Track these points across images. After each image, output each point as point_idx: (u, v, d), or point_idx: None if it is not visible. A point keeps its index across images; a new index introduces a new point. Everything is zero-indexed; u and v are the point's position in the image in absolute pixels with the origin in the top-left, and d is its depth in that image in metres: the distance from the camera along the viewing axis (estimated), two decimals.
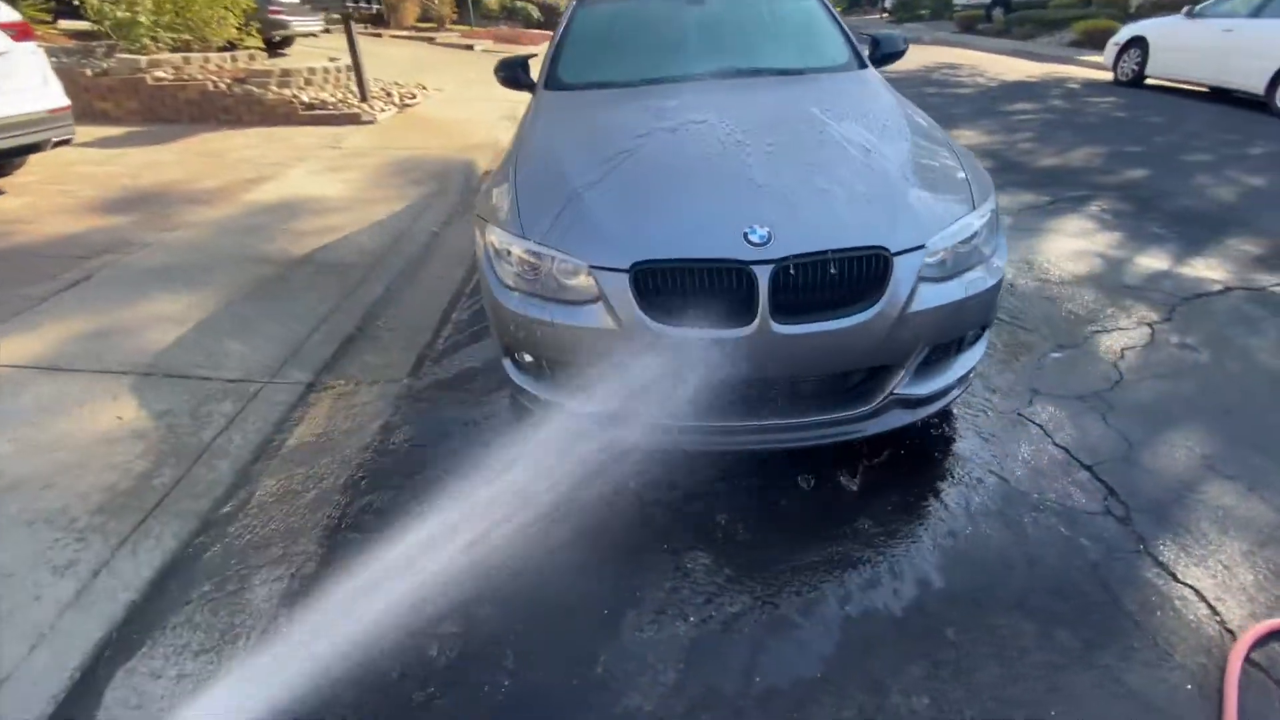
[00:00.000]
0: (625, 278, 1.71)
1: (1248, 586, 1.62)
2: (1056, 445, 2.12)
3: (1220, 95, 7.91)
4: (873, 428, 1.90)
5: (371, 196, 4.64)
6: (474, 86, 9.36)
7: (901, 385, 1.86)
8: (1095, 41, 13.01)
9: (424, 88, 8.40)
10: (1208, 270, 3.38)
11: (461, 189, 4.91)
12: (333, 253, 3.68)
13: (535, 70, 3.06)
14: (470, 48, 13.66)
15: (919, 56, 12.36)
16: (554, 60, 2.92)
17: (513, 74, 3.00)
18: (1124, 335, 2.76)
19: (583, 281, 1.78)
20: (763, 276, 1.67)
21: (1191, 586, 1.62)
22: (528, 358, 2.03)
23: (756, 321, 1.68)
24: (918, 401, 1.92)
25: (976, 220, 1.88)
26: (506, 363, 2.07)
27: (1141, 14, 13.05)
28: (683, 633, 1.54)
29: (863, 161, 2.00)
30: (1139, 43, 8.68)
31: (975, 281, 1.85)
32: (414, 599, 1.60)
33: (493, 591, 1.65)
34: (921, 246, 1.75)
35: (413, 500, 1.97)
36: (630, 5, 3.18)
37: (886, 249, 1.72)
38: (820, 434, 1.87)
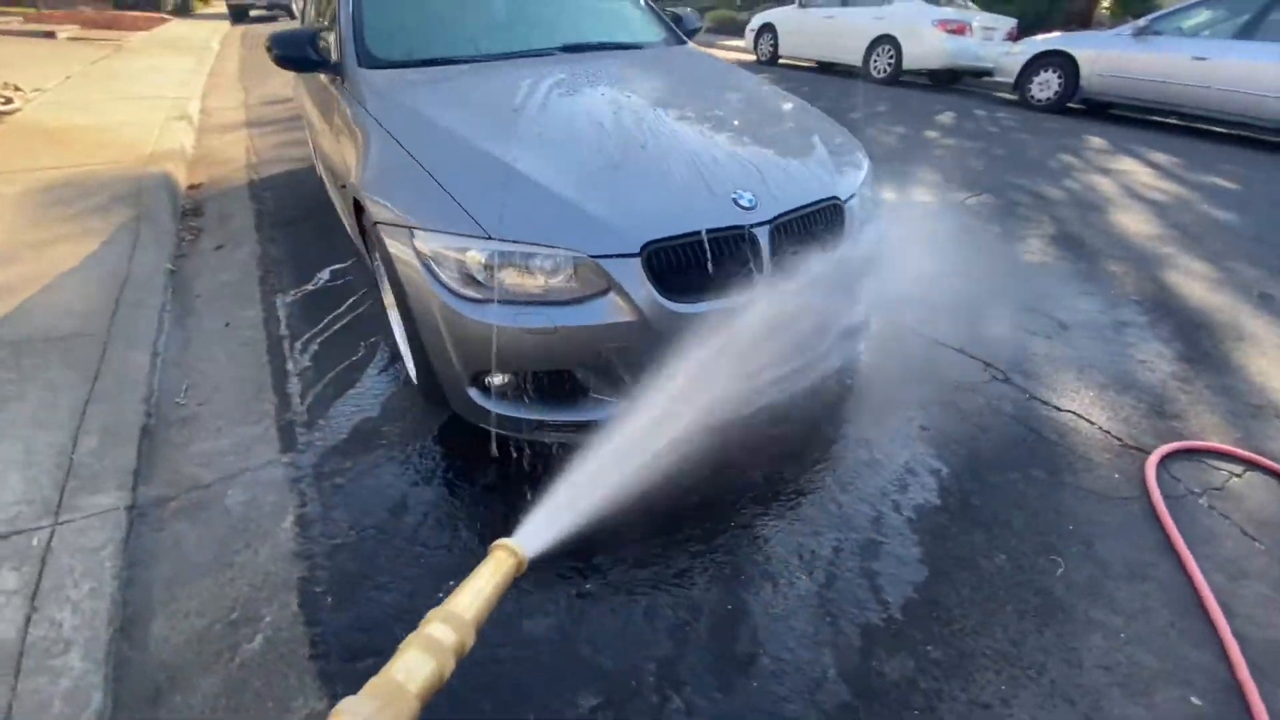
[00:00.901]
0: (636, 262, 1.57)
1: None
2: None
3: (826, 68, 10.29)
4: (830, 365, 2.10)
5: (34, 238, 3.25)
6: (90, 83, 7.09)
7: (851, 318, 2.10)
8: (727, 29, 15.52)
9: (17, 88, 6.02)
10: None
11: (171, 211, 3.74)
12: (20, 325, 2.51)
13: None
14: (51, 35, 10.15)
15: None
16: (355, 36, 2.39)
17: (298, 51, 2.35)
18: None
19: (580, 274, 1.58)
20: (763, 239, 1.70)
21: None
22: (500, 379, 1.72)
23: (752, 281, 1.71)
24: (850, 332, 2.18)
25: (867, 167, 2.18)
26: (473, 392, 1.73)
27: (751, 3, 15.91)
28: None
29: (776, 125, 2.14)
30: (769, 29, 10.70)
31: (876, 223, 2.16)
32: None
33: None
34: (853, 195, 1.98)
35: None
36: None
37: (839, 198, 1.90)
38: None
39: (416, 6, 2.60)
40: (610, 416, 1.71)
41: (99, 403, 2.14)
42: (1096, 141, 6.14)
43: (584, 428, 1.73)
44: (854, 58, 9.31)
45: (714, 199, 1.70)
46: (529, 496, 1.82)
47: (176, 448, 2.01)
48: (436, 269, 1.62)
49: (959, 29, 8.30)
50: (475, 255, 1.59)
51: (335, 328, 2.66)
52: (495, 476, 1.90)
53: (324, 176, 3.28)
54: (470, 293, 1.60)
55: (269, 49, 2.41)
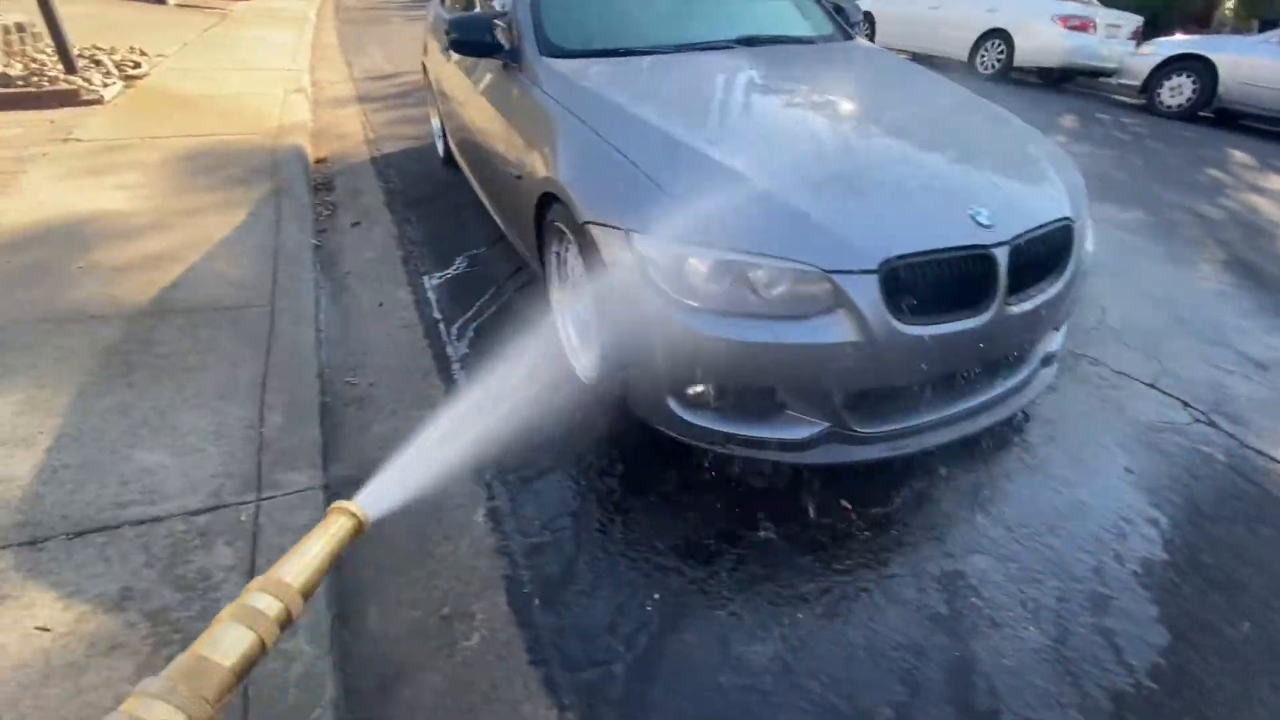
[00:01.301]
0: (873, 280, 1.48)
1: None
2: None
3: (925, 59, 9.84)
4: (1028, 393, 1.97)
5: (184, 206, 3.36)
6: (205, 50, 7.33)
7: (1050, 344, 1.97)
8: None
9: (142, 52, 6.28)
10: None
11: (306, 185, 3.81)
12: (191, 291, 2.59)
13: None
14: (161, 0, 10.58)
15: None
16: (535, 23, 2.35)
17: (477, 36, 2.33)
18: None
19: (809, 289, 1.50)
20: (1002, 259, 1.58)
21: None
22: (700, 389, 1.66)
23: (995, 305, 1.60)
24: (1050, 359, 2.04)
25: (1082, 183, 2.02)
26: (672, 403, 1.67)
27: None
28: None
29: (993, 136, 2.00)
30: (868, 17, 10.29)
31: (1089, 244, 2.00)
32: None
33: None
34: (1081, 216, 1.83)
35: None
36: None
37: (1071, 220, 1.76)
38: (999, 409, 1.88)
39: None
40: (808, 436, 1.64)
41: (277, 377, 2.18)
42: (1240, 156, 5.67)
43: (788, 447, 1.67)
44: (959, 51, 8.86)
45: (951, 215, 1.59)
46: (716, 504, 1.78)
47: (357, 429, 2.03)
48: (656, 275, 1.57)
49: (1082, 25, 7.79)
50: (700, 263, 1.53)
51: (486, 315, 2.66)
52: (676, 483, 1.85)
53: (466, 161, 3.28)
54: (690, 301, 1.55)
55: (448, 32, 2.40)
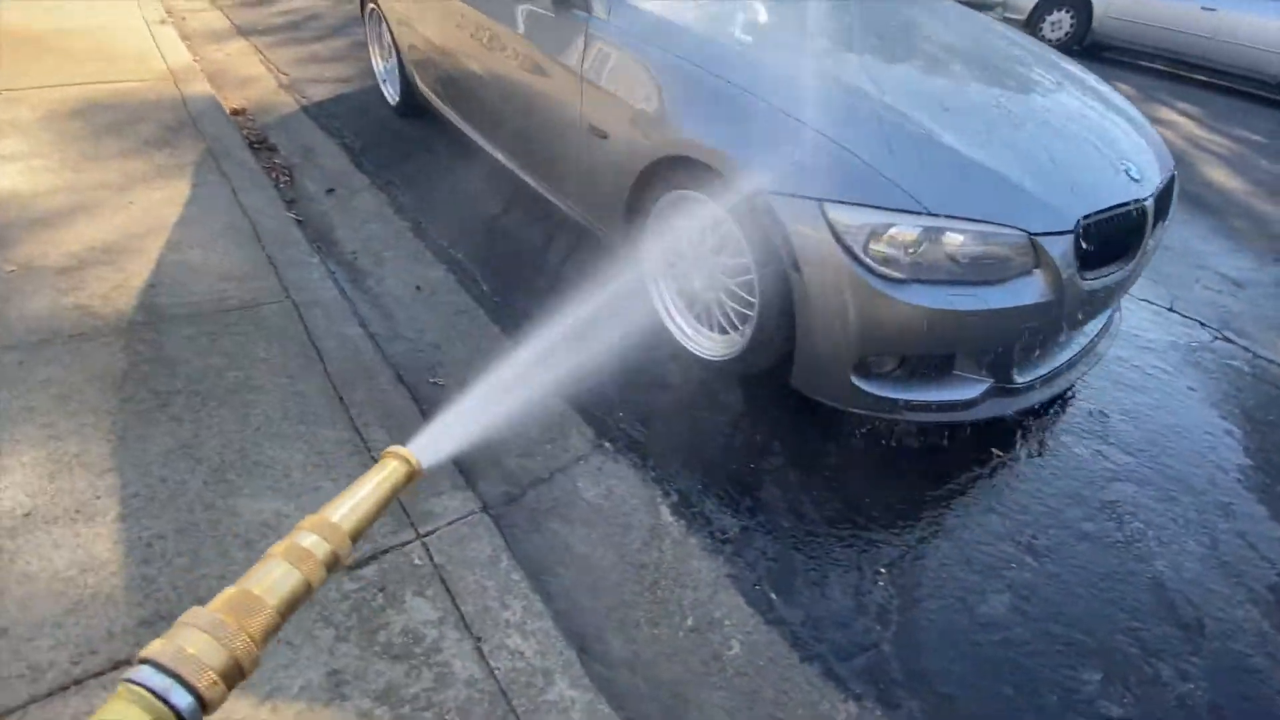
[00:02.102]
0: (1069, 240, 1.51)
1: None
2: None
3: None
4: (1117, 327, 2.14)
5: (104, 179, 2.68)
6: None
7: None
8: None
9: None
10: None
11: (241, 143, 3.17)
12: (178, 292, 2.11)
13: None
14: None
15: None
16: None
17: None
18: None
19: (1010, 253, 1.50)
20: (1151, 209, 1.67)
21: None
22: (890, 363, 1.65)
23: (1141, 251, 1.70)
24: None
25: None
26: (854, 375, 1.64)
27: None
28: None
29: (1100, 97, 2.04)
30: None
31: None
32: None
33: None
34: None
35: None
36: None
37: (1174, 172, 1.88)
38: (1105, 344, 2.03)
39: None
40: (976, 394, 1.69)
41: (351, 387, 1.86)
42: (1125, 89, 6.37)
43: (953, 407, 1.71)
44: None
45: (1114, 172, 1.65)
46: (888, 469, 1.80)
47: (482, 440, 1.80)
48: (853, 244, 1.49)
49: None
50: (904, 231, 1.47)
51: (547, 289, 2.41)
52: (841, 455, 1.84)
53: (470, 114, 2.87)
54: (891, 272, 1.49)
55: None
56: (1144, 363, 2.29)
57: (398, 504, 1.53)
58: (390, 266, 2.49)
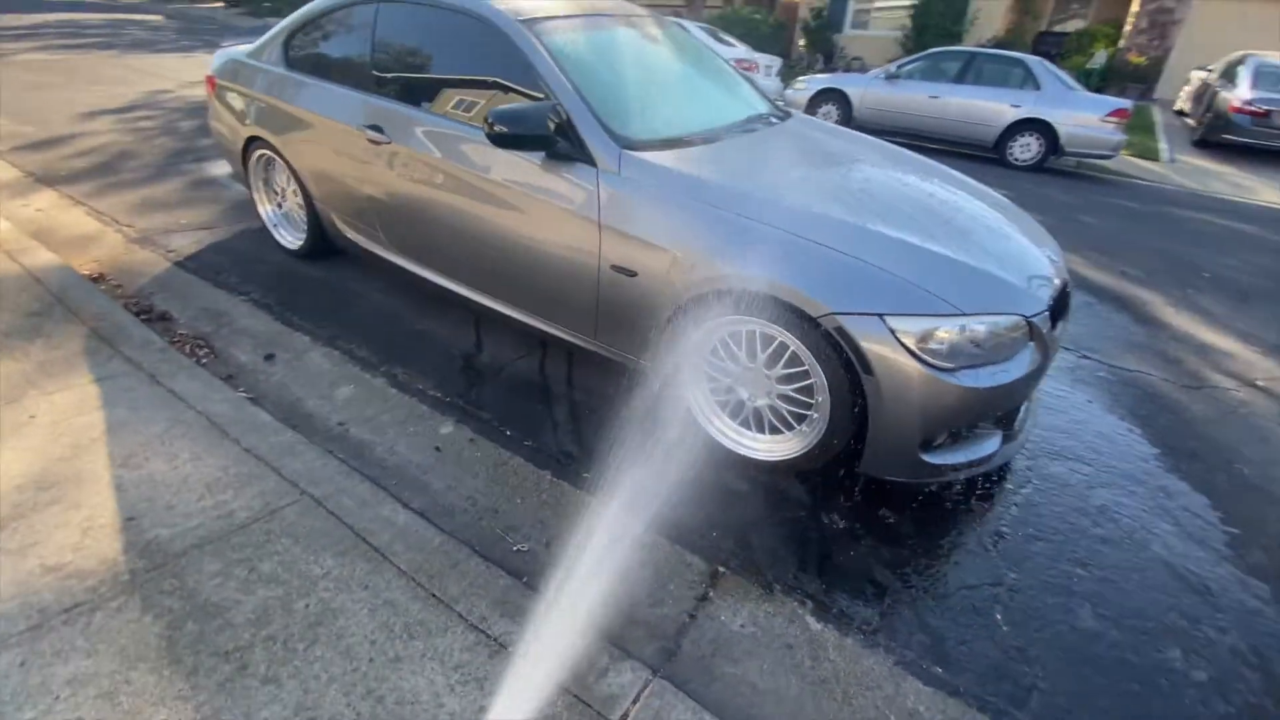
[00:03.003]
0: (1046, 315, 1.95)
1: None
2: None
3: None
4: None
5: None
6: None
7: None
8: None
9: None
10: None
11: (127, 318, 2.70)
12: (171, 519, 1.75)
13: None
14: None
15: None
16: (594, 115, 2.19)
17: (532, 130, 2.08)
18: None
19: (1014, 334, 1.89)
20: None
21: None
22: (942, 437, 1.95)
23: (1066, 314, 2.23)
24: None
25: None
26: (922, 453, 1.91)
27: None
28: None
29: (990, 196, 2.60)
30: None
31: None
32: None
33: None
34: None
35: None
36: (587, 35, 2.56)
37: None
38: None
39: (613, 85, 2.45)
40: (996, 448, 2.06)
41: (439, 581, 1.67)
42: None
43: (982, 462, 2.05)
44: None
45: (1047, 261, 2.16)
46: (963, 527, 2.07)
47: (626, 611, 1.70)
48: (912, 346, 1.77)
49: (749, 67, 9.78)
50: (947, 330, 1.79)
51: (580, 422, 2.39)
52: (917, 521, 2.07)
53: (434, 260, 2.77)
54: (940, 362, 1.80)
55: (491, 125, 2.09)
56: (1048, 389, 2.91)
57: (575, 701, 1.42)
58: (392, 431, 2.29)
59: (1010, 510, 2.16)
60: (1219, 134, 9.32)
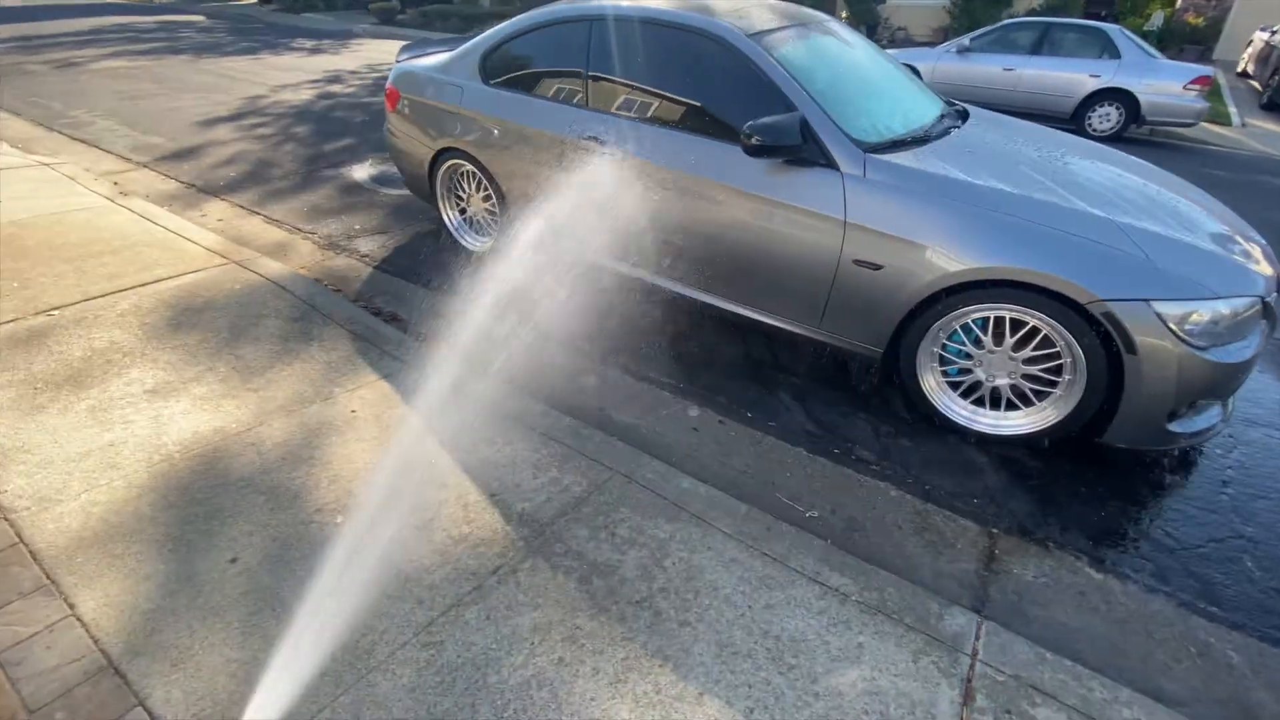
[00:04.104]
0: (1274, 296, 2.14)
1: None
2: None
3: None
4: None
5: (297, 394, 2.42)
6: None
7: None
8: None
9: None
10: None
11: (371, 333, 2.98)
12: (520, 494, 2.03)
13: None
14: None
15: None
16: (833, 124, 2.40)
17: (787, 140, 2.31)
18: None
19: (1250, 314, 2.09)
20: None
21: None
22: (1185, 409, 2.16)
23: None
24: None
25: None
26: (1168, 425, 2.13)
27: None
28: None
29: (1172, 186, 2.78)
30: None
31: None
32: None
33: None
34: None
35: None
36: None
37: None
38: None
39: (836, 91, 2.64)
40: (1218, 418, 2.26)
41: (795, 557, 1.94)
42: None
43: (1208, 431, 2.25)
44: None
45: (1257, 243, 2.34)
46: (1189, 488, 2.29)
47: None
48: (1175, 328, 1.98)
49: None
50: (1203, 312, 1.99)
51: (823, 405, 2.65)
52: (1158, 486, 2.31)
53: (648, 263, 3.02)
54: (1197, 342, 2.01)
55: (748, 137, 2.32)
56: None
57: (929, 639, 1.68)
58: (649, 416, 2.55)
59: (1227, 473, 2.38)
60: None
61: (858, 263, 2.38)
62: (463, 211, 3.77)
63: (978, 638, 1.70)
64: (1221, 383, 2.10)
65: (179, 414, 2.26)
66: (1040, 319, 2.15)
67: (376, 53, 12.49)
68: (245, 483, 1.98)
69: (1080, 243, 2.08)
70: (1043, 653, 1.67)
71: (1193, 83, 7.23)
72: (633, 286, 3.14)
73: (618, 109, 2.90)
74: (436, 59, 3.64)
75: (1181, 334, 1.99)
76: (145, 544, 1.71)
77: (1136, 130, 7.92)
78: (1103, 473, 2.35)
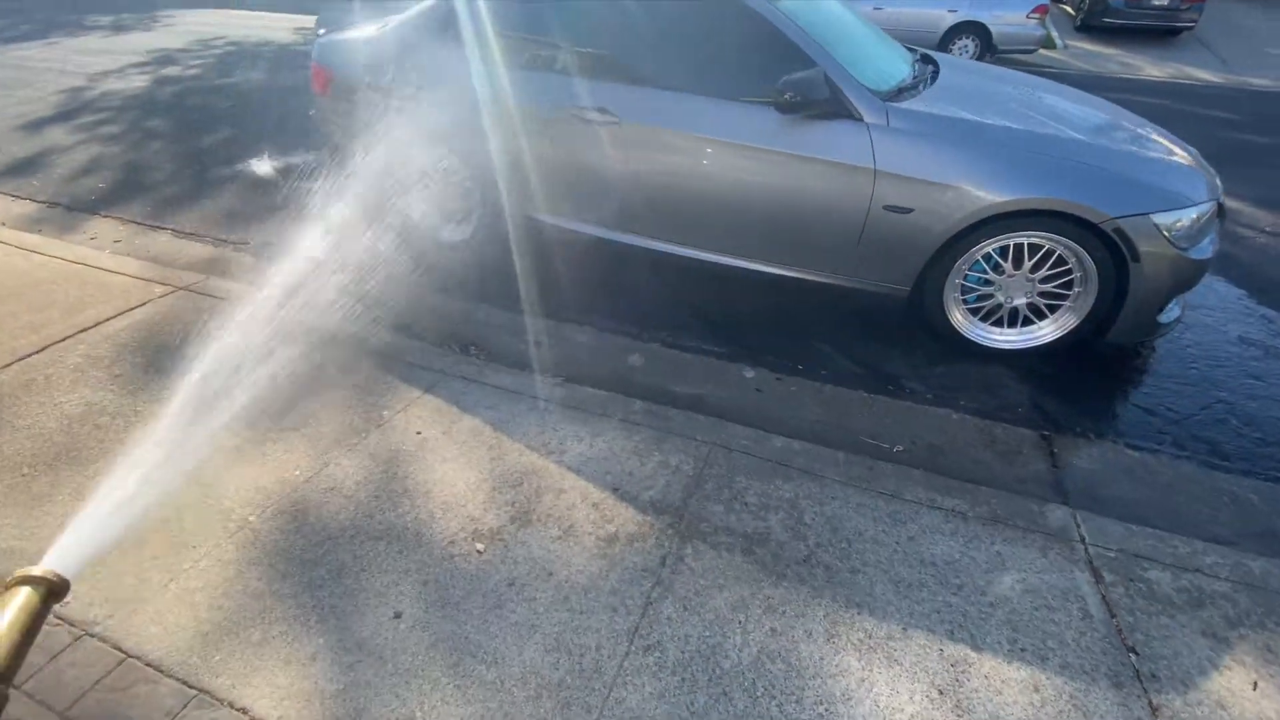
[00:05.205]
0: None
1: None
2: None
3: None
4: None
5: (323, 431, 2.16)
6: None
7: None
8: None
9: None
10: None
11: (384, 345, 2.71)
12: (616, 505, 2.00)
13: None
14: None
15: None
16: (852, 77, 2.49)
17: (818, 94, 2.37)
18: None
19: (1209, 218, 2.47)
20: None
21: None
22: (1169, 302, 2.55)
23: None
24: None
25: None
26: (1159, 316, 2.52)
27: None
28: None
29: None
30: None
31: None
32: None
33: None
34: None
35: None
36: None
37: None
38: None
39: (842, 45, 2.68)
40: (1180, 309, 2.69)
41: (909, 491, 2.07)
42: None
43: (1176, 321, 2.67)
44: None
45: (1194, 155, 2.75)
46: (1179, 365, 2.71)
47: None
48: (1168, 234, 2.31)
49: None
50: (1187, 219, 2.33)
51: (863, 348, 2.80)
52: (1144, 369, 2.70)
53: (664, 232, 2.96)
54: (1182, 244, 2.35)
55: (781, 94, 2.35)
56: None
57: (1043, 536, 1.90)
58: (709, 384, 2.57)
59: (1188, 352, 2.85)
60: (1099, 18, 10.63)
61: (888, 208, 2.51)
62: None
63: (1078, 525, 1.95)
64: (1196, 276, 2.49)
65: (222, 472, 1.96)
66: (1056, 240, 2.41)
67: (199, 25, 10.79)
68: (352, 531, 1.78)
69: (1088, 169, 2.34)
70: (1130, 526, 1.96)
71: (1034, 11, 8.13)
72: (655, 260, 3.08)
73: (626, 77, 2.78)
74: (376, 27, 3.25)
75: (1171, 239, 2.32)
76: (287, 622, 1.50)
77: (990, 60, 8.79)
78: (1103, 369, 2.73)
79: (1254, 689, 1.50)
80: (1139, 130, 2.75)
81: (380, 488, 1.94)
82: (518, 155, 2.99)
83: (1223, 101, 7.86)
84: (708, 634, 1.55)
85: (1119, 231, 2.31)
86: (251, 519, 1.80)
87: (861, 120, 2.48)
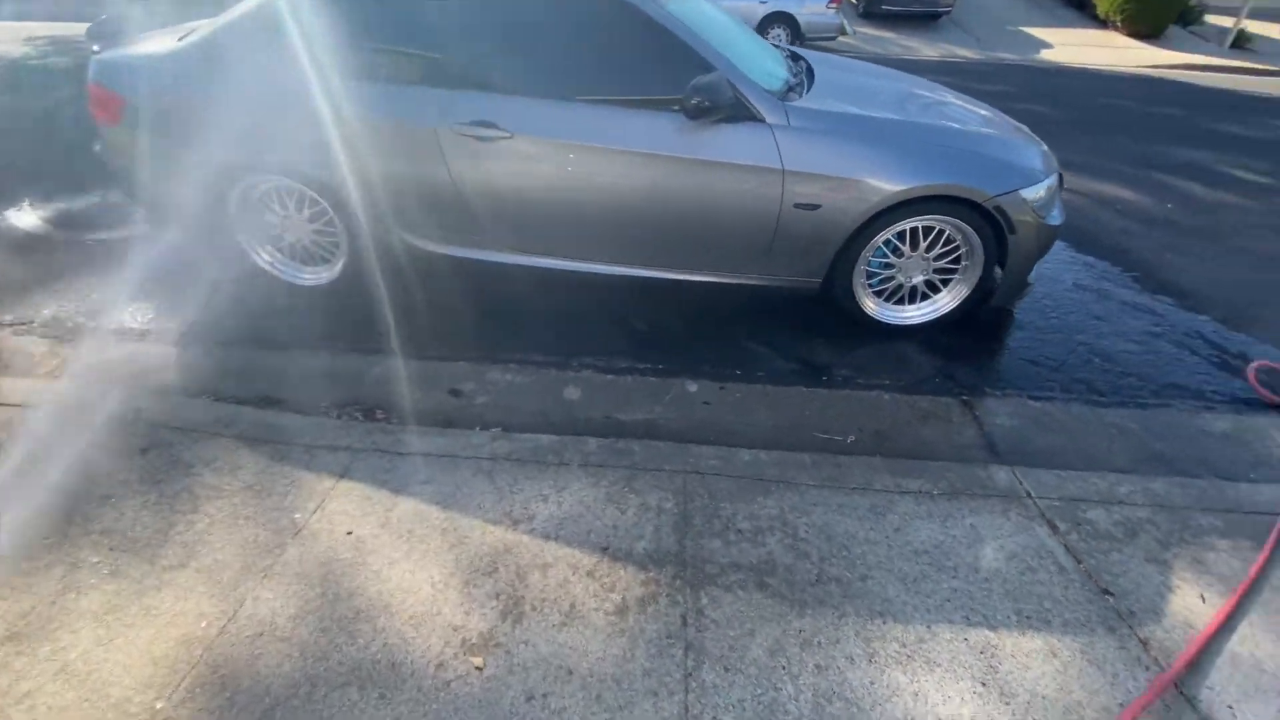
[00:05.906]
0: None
1: None
2: None
3: None
4: None
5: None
6: None
7: None
8: None
9: None
10: None
11: (264, 431, 2.22)
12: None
13: None
14: None
15: None
16: (748, 79, 2.47)
17: (725, 98, 2.31)
18: None
19: (1056, 186, 2.83)
20: None
21: None
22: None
23: None
24: None
25: None
26: (1028, 279, 2.82)
27: None
28: None
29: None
30: None
31: None
32: None
33: None
34: None
35: None
36: None
37: None
38: None
39: (728, 47, 2.61)
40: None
41: (879, 480, 2.10)
42: None
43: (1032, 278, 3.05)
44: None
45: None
46: (1043, 319, 3.06)
47: None
48: (1034, 206, 2.59)
49: None
50: (1041, 191, 2.63)
51: (789, 342, 2.80)
52: (1026, 323, 3.01)
53: (559, 249, 2.73)
54: (1042, 213, 2.65)
55: (690, 99, 2.27)
56: None
57: (1002, 500, 2.05)
58: (657, 407, 2.45)
59: (1043, 304, 3.26)
60: (878, 5, 11.98)
61: (799, 206, 2.54)
62: (280, 246, 2.93)
63: (1020, 481, 2.13)
64: (1053, 240, 2.84)
65: (94, 652, 1.46)
66: (946, 221, 2.61)
67: None
68: (307, 685, 1.41)
69: (968, 154, 2.55)
70: (1058, 473, 2.18)
71: (832, 2, 8.92)
72: (567, 280, 2.86)
73: (511, 87, 2.51)
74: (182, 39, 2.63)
75: (1035, 209, 2.62)
76: None
77: (800, 46, 9.53)
78: (985, 331, 3.03)
79: (1203, 601, 1.73)
80: (987, 113, 3.07)
81: (325, 617, 1.57)
82: (388, 178, 2.62)
83: (991, 75, 9.25)
84: (759, 691, 1.45)
85: (999, 209, 2.55)
86: (159, 705, 1.36)
87: (764, 121, 2.47)
